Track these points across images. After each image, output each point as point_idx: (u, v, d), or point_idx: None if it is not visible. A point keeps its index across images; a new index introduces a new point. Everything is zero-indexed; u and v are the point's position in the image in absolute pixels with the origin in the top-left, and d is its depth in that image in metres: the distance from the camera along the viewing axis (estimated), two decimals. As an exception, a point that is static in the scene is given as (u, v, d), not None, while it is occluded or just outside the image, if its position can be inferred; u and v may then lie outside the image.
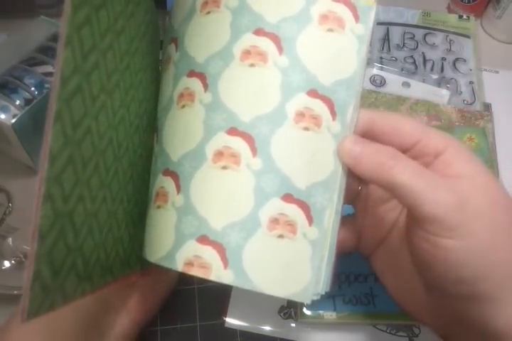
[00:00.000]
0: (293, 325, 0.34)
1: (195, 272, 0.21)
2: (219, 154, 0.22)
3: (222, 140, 0.22)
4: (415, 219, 0.21)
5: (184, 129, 0.23)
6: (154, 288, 0.31)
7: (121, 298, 0.29)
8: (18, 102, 0.34)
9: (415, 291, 0.24)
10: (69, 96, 0.18)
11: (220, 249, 0.21)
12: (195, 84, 0.23)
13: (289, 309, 0.34)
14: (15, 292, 0.33)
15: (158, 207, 0.24)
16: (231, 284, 0.21)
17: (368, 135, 0.23)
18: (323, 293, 0.22)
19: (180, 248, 0.22)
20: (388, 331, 0.34)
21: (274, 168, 0.21)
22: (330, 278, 0.22)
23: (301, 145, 0.22)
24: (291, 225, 0.21)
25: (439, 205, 0.19)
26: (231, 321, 0.34)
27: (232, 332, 0.34)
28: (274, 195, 0.21)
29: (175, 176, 0.23)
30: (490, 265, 0.20)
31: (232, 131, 0.22)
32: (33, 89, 0.35)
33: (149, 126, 0.28)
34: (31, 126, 0.35)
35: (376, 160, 0.21)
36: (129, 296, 0.30)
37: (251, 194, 0.21)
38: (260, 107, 0.22)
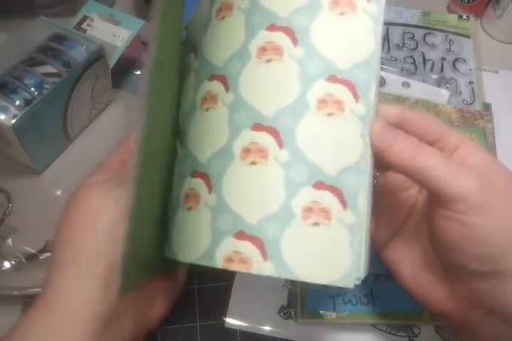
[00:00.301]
0: (293, 325, 0.34)
1: (236, 267, 0.21)
2: (246, 151, 0.22)
3: (248, 136, 0.22)
4: (440, 201, 0.22)
5: (210, 130, 0.24)
6: (162, 292, 0.31)
7: (132, 303, 0.29)
8: (17, 103, 0.34)
9: (433, 278, 0.25)
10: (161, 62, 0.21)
11: (258, 242, 0.21)
12: (217, 86, 0.24)
13: (289, 309, 0.34)
14: (15, 292, 0.33)
15: (189, 208, 0.24)
16: (273, 276, 0.21)
17: (397, 127, 0.24)
18: (363, 277, 0.22)
19: (219, 245, 0.22)
20: (388, 331, 0.34)
21: (302, 158, 0.22)
22: (367, 262, 0.23)
23: (327, 131, 0.22)
24: (325, 212, 0.22)
25: (461, 188, 0.22)
26: (231, 321, 0.34)
27: (232, 332, 0.34)
28: (305, 184, 0.22)
29: (205, 177, 0.23)
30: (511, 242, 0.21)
31: (257, 127, 0.22)
32: (32, 89, 0.35)
33: (171, 132, 0.28)
34: (31, 127, 0.35)
35: (405, 146, 0.22)
36: (137, 300, 0.30)
37: (282, 186, 0.22)
38: (281, 100, 0.22)
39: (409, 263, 0.26)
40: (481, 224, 0.21)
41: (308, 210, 0.21)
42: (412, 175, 0.23)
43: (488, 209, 0.21)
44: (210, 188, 0.23)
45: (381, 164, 0.24)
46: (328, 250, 0.22)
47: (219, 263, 0.22)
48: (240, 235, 0.22)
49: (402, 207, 0.28)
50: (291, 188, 0.22)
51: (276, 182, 0.22)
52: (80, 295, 0.25)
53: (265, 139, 0.22)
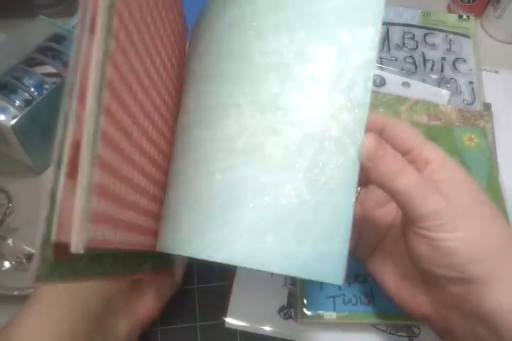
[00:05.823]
0: (293, 325, 0.34)
1: None
2: None
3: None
4: (413, 220, 0.24)
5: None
6: (158, 291, 0.31)
7: (125, 301, 0.29)
8: (17, 103, 0.34)
9: (413, 286, 0.26)
10: None
11: None
12: None
13: (289, 309, 0.34)
14: (15, 293, 0.33)
15: None
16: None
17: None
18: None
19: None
20: (388, 331, 0.34)
21: None
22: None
23: None
24: None
25: (431, 208, 0.23)
26: (231, 321, 0.34)
27: (232, 332, 0.34)
28: None
29: None
30: (479, 251, 0.23)
31: None
32: (32, 90, 0.35)
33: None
34: (31, 127, 0.35)
35: (390, 166, 0.23)
36: (132, 299, 0.30)
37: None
38: None
39: (390, 273, 0.28)
40: (448, 239, 0.23)
41: None
42: (391, 194, 0.24)
43: (456, 225, 0.23)
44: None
45: (362, 179, 0.24)
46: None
47: None
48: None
49: (381, 223, 0.29)
50: None
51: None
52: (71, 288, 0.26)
53: None
